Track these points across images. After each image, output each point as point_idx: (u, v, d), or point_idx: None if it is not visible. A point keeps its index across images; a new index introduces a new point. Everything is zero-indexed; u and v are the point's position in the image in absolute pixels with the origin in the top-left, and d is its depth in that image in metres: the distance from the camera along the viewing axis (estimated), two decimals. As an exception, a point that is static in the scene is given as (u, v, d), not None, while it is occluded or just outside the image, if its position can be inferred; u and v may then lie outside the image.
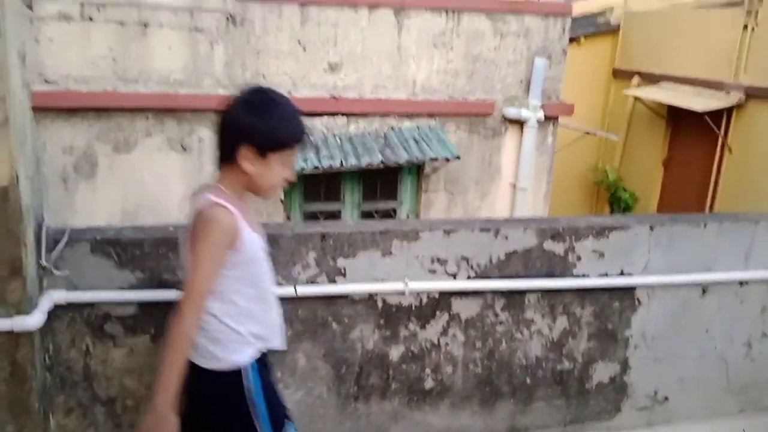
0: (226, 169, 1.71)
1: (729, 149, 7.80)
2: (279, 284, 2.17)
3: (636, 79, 9.32)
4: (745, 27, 7.67)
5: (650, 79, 9.10)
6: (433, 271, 2.41)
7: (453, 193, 5.47)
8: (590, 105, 9.81)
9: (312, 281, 2.29)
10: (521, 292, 2.53)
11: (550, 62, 5.46)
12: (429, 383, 2.53)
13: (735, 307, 2.77)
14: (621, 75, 9.82)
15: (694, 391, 2.82)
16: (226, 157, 1.69)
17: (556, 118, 5.70)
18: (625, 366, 2.71)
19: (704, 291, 2.72)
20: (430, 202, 5.51)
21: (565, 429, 2.72)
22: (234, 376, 1.73)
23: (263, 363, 1.83)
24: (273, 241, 2.12)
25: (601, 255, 2.58)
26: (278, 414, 1.82)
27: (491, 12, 5.23)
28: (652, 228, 2.61)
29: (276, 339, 1.87)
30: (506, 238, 2.47)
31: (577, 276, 2.56)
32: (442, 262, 2.41)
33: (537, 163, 5.67)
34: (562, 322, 2.61)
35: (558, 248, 2.53)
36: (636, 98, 9.21)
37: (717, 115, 7.84)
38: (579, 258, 2.56)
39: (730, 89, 7.71)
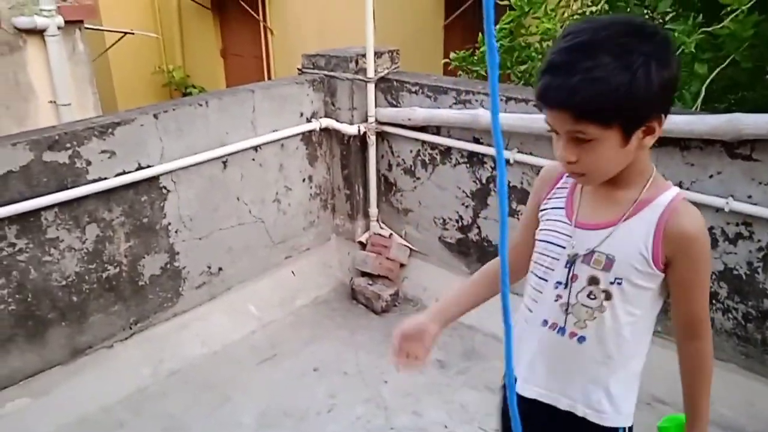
0: None
1: (271, 31, 8.41)
2: None
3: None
4: None
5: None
6: None
7: (-22, 126, 4.71)
8: (138, 3, 9.36)
9: None
10: (34, 213, 2.36)
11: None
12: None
13: (256, 170, 3.08)
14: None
15: (243, 254, 3.11)
16: None
17: (81, 22, 5.25)
18: (172, 253, 2.82)
19: (225, 164, 2.93)
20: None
21: (131, 331, 2.75)
22: None
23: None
24: None
25: (113, 154, 2.54)
26: None
27: None
28: (156, 116, 2.66)
29: (520, 372, 1.34)
30: (-8, 160, 2.23)
31: (93, 181, 2.49)
32: None
33: (74, 74, 5.21)
34: (92, 230, 2.54)
35: (61, 157, 2.39)
36: (178, -8, 9.11)
37: (255, 1, 8.30)
38: (89, 162, 2.47)
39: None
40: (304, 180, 3.30)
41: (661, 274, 1.19)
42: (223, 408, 2.57)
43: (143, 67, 9.28)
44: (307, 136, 3.26)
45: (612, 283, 1.20)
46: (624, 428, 1.30)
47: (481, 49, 4.85)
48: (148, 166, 2.64)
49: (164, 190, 2.73)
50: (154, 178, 2.68)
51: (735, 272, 2.37)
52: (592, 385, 1.27)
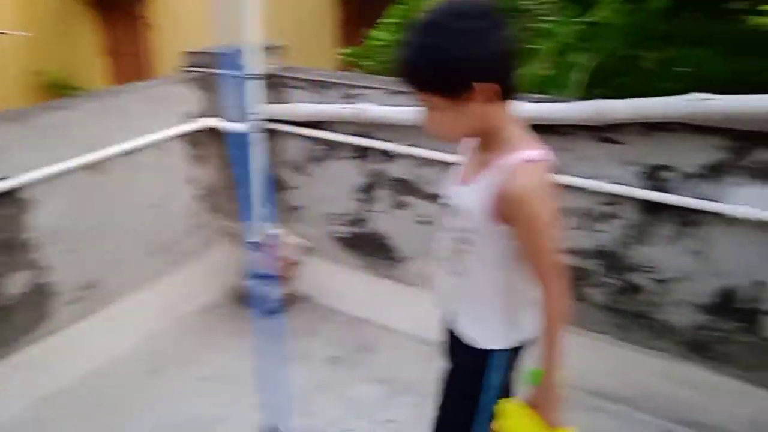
0: None
1: (156, 28, 8.09)
2: None
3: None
4: None
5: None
6: None
7: None
8: (9, 1, 8.72)
9: None
10: None
11: None
12: None
13: (134, 175, 2.92)
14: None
15: (123, 264, 2.94)
16: None
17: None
18: (40, 269, 2.61)
19: (99, 170, 2.75)
20: None
21: (-3, 357, 2.54)
22: None
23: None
24: None
25: (-37, 166, 2.33)
26: None
27: None
28: (17, 122, 2.48)
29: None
30: None
31: (-58, 196, 2.28)
32: None
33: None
34: (-57, 251, 2.32)
35: None
36: (53, -12, 8.56)
37: (135, -4, 7.95)
38: (-66, 176, 2.26)
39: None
40: (187, 182, 3.17)
41: (505, 227, 1.36)
42: (109, 429, 2.42)
43: (16, 69, 8.66)
44: (189, 137, 3.13)
45: (469, 232, 1.42)
46: (500, 350, 1.50)
47: (371, 43, 4.87)
48: (10, 177, 2.43)
49: (29, 202, 2.53)
50: (16, 190, 2.47)
51: (606, 249, 2.49)
52: (470, 313, 1.52)
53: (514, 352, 1.53)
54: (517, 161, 1.31)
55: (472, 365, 1.53)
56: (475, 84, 1.25)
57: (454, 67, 1.24)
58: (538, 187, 1.30)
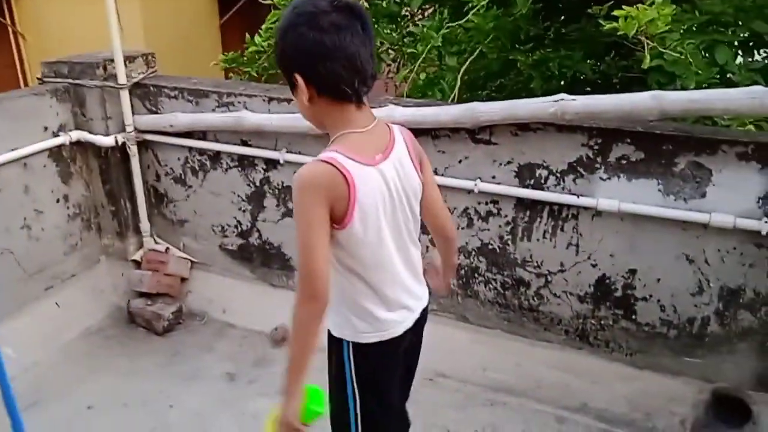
0: None
1: (23, 37, 7.54)
2: None
3: None
4: None
5: None
6: None
7: None
8: None
9: None
10: None
11: None
12: None
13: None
14: None
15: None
16: None
17: None
18: None
19: (-48, 193, 2.53)
20: None
21: None
22: None
23: None
24: None
25: None
26: None
27: None
28: None
29: None
30: None
31: None
32: None
33: None
34: None
35: None
36: None
37: (-2, 3, 7.36)
38: None
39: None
40: (58, 200, 2.96)
41: None
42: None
43: None
44: (55, 152, 2.92)
45: None
46: (352, 342, 1.48)
47: (251, 49, 4.76)
48: None
49: None
50: None
51: (490, 246, 2.58)
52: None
53: (369, 347, 1.49)
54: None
55: (330, 352, 1.54)
56: (296, 75, 1.32)
57: (279, 53, 1.36)
58: (309, 182, 1.31)
